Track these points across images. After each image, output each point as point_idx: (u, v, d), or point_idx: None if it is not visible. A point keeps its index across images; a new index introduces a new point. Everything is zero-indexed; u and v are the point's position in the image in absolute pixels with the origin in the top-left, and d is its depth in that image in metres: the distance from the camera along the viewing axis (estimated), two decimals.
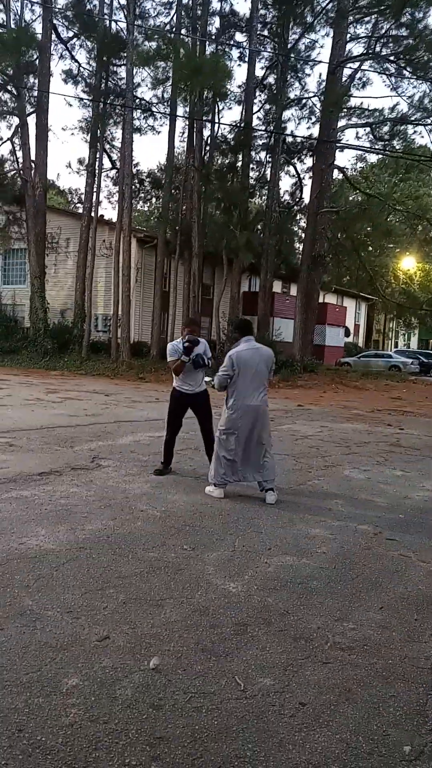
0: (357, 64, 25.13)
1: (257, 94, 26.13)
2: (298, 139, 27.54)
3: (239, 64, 30.10)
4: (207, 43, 23.81)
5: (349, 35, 24.71)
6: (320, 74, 32.50)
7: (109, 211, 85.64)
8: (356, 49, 25.55)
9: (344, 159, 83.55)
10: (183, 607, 3.32)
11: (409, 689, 2.67)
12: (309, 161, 27.73)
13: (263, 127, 27.05)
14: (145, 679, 2.62)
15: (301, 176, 29.07)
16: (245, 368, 5.64)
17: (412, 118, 25.01)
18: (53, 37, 23.38)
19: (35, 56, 22.58)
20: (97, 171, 23.37)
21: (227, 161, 25.49)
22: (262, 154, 27.61)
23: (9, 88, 22.78)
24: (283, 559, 4.17)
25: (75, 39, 24.92)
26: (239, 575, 3.82)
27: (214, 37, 24.92)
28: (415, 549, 4.52)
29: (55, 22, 23.48)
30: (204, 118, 23.98)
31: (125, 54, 22.31)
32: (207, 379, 6.29)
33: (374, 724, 2.41)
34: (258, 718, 2.40)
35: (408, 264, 40.47)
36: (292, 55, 25.18)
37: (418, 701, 2.58)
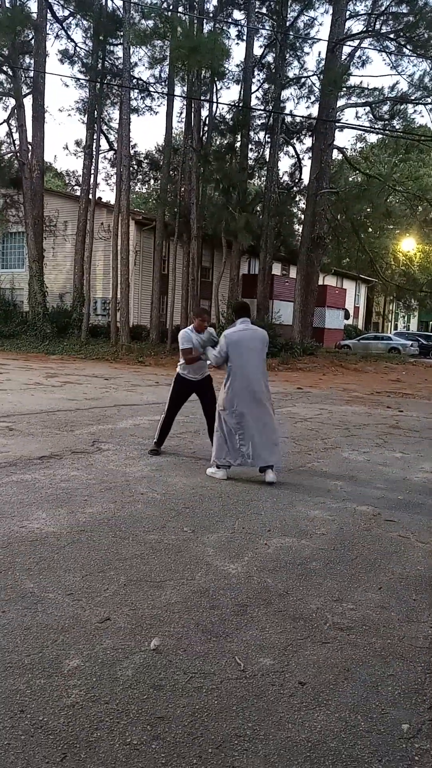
0: (357, 42, 24.83)
1: (256, 73, 25.81)
2: (298, 119, 27.28)
3: (237, 43, 30.06)
4: (205, 21, 23.46)
5: (348, 12, 24.36)
6: (319, 53, 32.16)
7: (107, 193, 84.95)
8: (356, 26, 25.52)
9: (344, 139, 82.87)
10: (183, 589, 3.34)
11: (407, 668, 2.69)
12: (308, 141, 27.51)
13: (262, 107, 26.78)
14: (146, 660, 2.64)
15: (301, 157, 28.85)
16: (238, 348, 5.68)
17: (412, 97, 24.77)
18: (49, 16, 23.04)
19: (31, 36, 22.28)
20: (94, 152, 23.17)
21: (226, 142, 25.25)
22: (261, 135, 27.38)
23: (4, 68, 22.50)
24: (282, 540, 4.19)
25: (71, 18, 24.57)
26: (239, 557, 3.84)
27: (211, 15, 24.53)
28: (413, 530, 4.54)
29: (50, 0, 23.12)
30: (202, 97, 23.71)
31: (122, 33, 22.00)
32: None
33: (373, 702, 2.44)
34: (258, 698, 2.42)
35: (408, 245, 40.24)
36: (291, 33, 24.84)
37: (416, 680, 2.60)
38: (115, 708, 2.32)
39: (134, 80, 24.19)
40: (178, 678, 2.53)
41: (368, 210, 28.59)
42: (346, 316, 37.94)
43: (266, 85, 26.51)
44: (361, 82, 36.91)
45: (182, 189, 23.81)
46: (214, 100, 24.87)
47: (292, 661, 2.70)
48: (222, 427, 5.77)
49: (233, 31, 25.41)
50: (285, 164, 41.86)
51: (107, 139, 26.10)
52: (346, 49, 24.67)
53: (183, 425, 8.02)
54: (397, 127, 26.58)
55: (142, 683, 2.48)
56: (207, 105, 24.35)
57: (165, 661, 2.64)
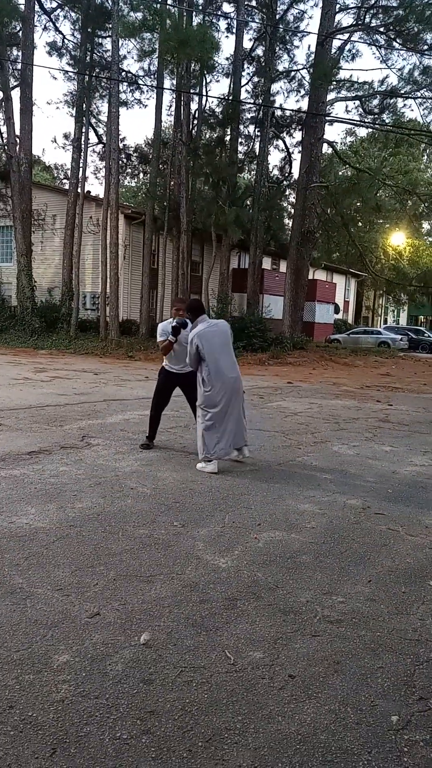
0: (346, 35, 24.73)
1: (245, 66, 25.69)
2: (287, 113, 27.23)
3: (227, 36, 29.96)
4: (194, 13, 23.31)
5: (338, 5, 24.26)
6: (309, 46, 32.05)
7: (96, 186, 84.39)
8: (345, 20, 25.16)
9: (334, 133, 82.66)
10: (173, 583, 3.34)
11: (396, 660, 2.70)
12: (298, 135, 27.41)
13: (252, 100, 26.67)
14: (136, 655, 2.64)
15: (291, 150, 28.88)
16: (209, 345, 5.86)
17: (402, 91, 24.72)
18: (36, 8, 22.80)
19: (18, 28, 22.04)
20: (83, 146, 22.99)
21: (215, 135, 25.14)
22: (251, 128, 27.27)
23: None
24: (272, 534, 4.19)
25: (59, 10, 24.34)
26: (229, 551, 3.84)
27: (201, 7, 24.39)
28: (402, 523, 4.56)
29: None
30: (191, 91, 23.59)
31: (110, 25, 21.82)
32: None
33: (362, 695, 2.45)
34: (247, 691, 2.43)
35: (397, 240, 40.34)
36: (281, 26, 24.72)
37: (406, 672, 2.62)
38: (104, 703, 2.31)
39: (123, 73, 24.04)
40: (168, 672, 2.52)
41: (358, 204, 28.56)
42: (336, 311, 37.99)
43: (256, 79, 26.43)
44: (351, 76, 36.97)
45: (172, 183, 23.70)
46: (204, 93, 24.74)
47: (281, 654, 2.71)
48: (203, 421, 5.90)
49: (223, 23, 25.44)
50: (275, 158, 41.96)
51: (96, 132, 25.92)
52: (336, 43, 24.62)
53: (173, 420, 8.01)
54: (387, 121, 26.57)
55: (132, 678, 2.47)
56: (196, 98, 24.24)
57: (155, 656, 2.64)
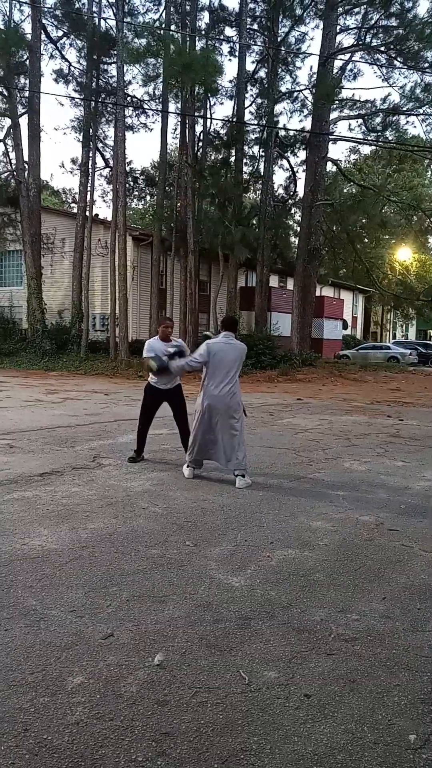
0: (348, 55, 25.06)
1: (248, 88, 26.03)
2: (291, 133, 27.48)
3: (230, 59, 30.13)
4: (197, 38, 23.72)
5: (339, 26, 24.62)
6: (311, 67, 32.45)
7: (103, 209, 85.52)
8: (346, 40, 25.48)
9: (337, 151, 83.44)
10: (186, 603, 3.33)
11: (413, 678, 2.67)
12: (302, 154, 27.64)
13: (255, 122, 26.98)
14: (150, 676, 2.63)
15: (295, 170, 28.99)
16: (217, 359, 6.04)
17: (404, 109, 24.94)
18: (43, 36, 23.28)
19: (25, 56, 22.49)
20: (90, 170, 23.31)
21: (220, 156, 25.40)
22: (255, 149, 27.52)
23: (0, 89, 22.69)
24: (285, 552, 4.17)
25: (65, 38, 24.82)
26: (242, 569, 3.83)
27: (203, 32, 24.81)
28: (416, 539, 4.53)
29: (44, 21, 23.38)
30: (196, 113, 23.91)
31: (115, 52, 22.22)
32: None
33: (379, 713, 2.42)
34: (263, 711, 2.41)
35: (404, 255, 40.42)
36: (283, 48, 25.08)
37: (423, 690, 2.59)
38: (119, 725, 2.30)
39: (128, 98, 24.39)
40: (183, 693, 2.51)
41: (363, 221, 28.71)
42: (345, 327, 38.00)
43: (259, 100, 26.74)
44: (353, 95, 37.27)
45: (178, 204, 23.95)
46: (208, 115, 25.07)
47: (297, 673, 2.69)
48: (194, 428, 6.17)
49: (225, 47, 25.68)
50: (280, 177, 42.48)
51: (103, 156, 26.27)
52: (338, 63, 24.94)
53: None
54: (390, 138, 26.76)
55: (147, 699, 2.46)
56: (201, 121, 24.57)
57: (169, 677, 2.62)
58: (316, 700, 2.49)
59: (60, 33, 24.69)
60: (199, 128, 24.63)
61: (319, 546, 4.32)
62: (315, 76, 24.69)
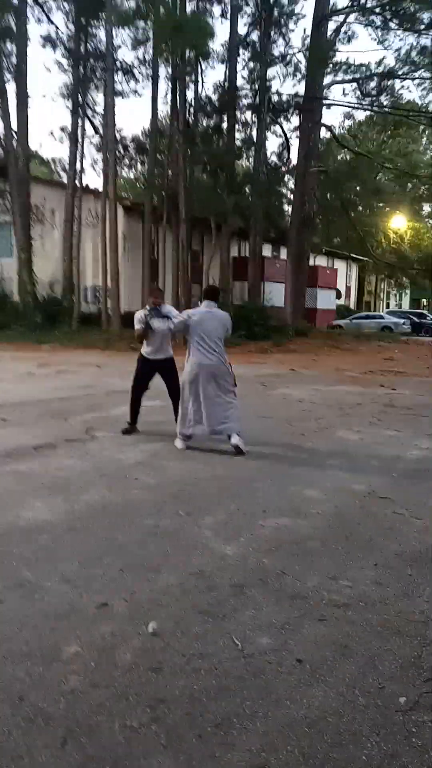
0: (342, 17, 24.45)
1: (241, 52, 25.40)
2: (284, 98, 26.91)
3: (221, 22, 29.32)
4: (188, 0, 23.08)
5: None
6: (305, 29, 31.52)
7: (94, 179, 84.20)
8: (341, 1, 24.93)
9: (332, 117, 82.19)
10: (180, 572, 3.35)
11: (404, 643, 2.71)
12: (296, 120, 27.12)
13: (248, 87, 26.42)
14: (144, 644, 2.66)
15: (288, 136, 28.48)
16: (197, 327, 6.12)
17: (399, 72, 24.46)
18: (29, 0, 22.59)
19: (11, 20, 21.86)
20: (79, 138, 22.84)
21: (212, 123, 24.95)
22: (248, 115, 26.96)
23: None
24: (278, 520, 4.20)
25: (51, 1, 24.10)
26: (235, 538, 3.86)
27: None
28: (408, 506, 4.56)
29: None
30: (187, 78, 23.38)
31: (103, 15, 21.62)
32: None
33: (370, 677, 2.46)
34: (256, 677, 2.44)
35: (398, 223, 40.08)
36: (276, 10, 24.44)
37: (413, 654, 2.63)
38: (114, 692, 2.33)
39: (118, 62, 23.80)
40: (177, 660, 2.54)
41: (358, 188, 28.43)
42: (338, 296, 37.84)
43: (251, 64, 26.10)
44: (347, 59, 36.52)
45: (170, 172, 23.57)
46: (200, 80, 24.62)
47: (289, 639, 2.72)
48: (182, 398, 6.26)
49: (217, 9, 24.95)
50: (273, 144, 42.03)
51: (92, 124, 25.69)
52: (332, 25, 24.33)
53: None
54: (385, 103, 26.32)
55: (141, 667, 2.49)
56: (192, 86, 24.03)
57: (163, 644, 2.65)
58: (308, 665, 2.53)
59: None
60: (190, 94, 24.10)
61: (312, 514, 4.35)
62: (308, 39, 24.14)
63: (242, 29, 25.51)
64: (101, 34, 23.03)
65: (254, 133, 26.02)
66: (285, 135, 28.50)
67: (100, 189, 22.93)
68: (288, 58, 26.31)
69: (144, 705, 2.26)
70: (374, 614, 2.96)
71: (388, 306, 51.51)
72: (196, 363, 6.10)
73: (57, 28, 24.75)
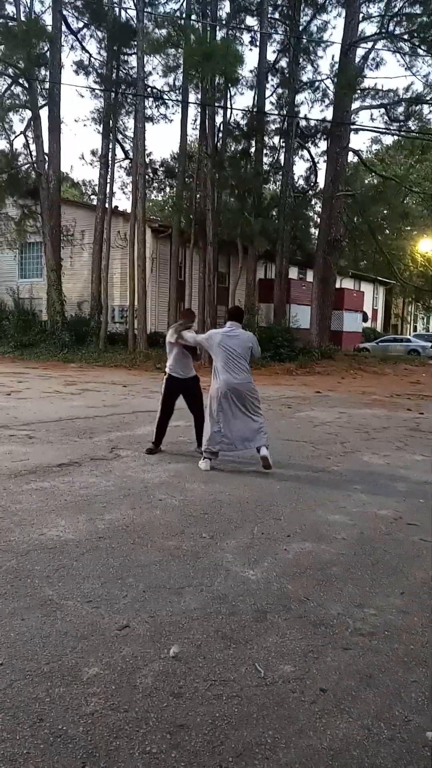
0: (370, 44, 24.67)
1: (269, 78, 25.75)
2: (312, 123, 27.17)
3: (251, 49, 29.64)
4: (218, 28, 23.50)
5: (361, 15, 24.25)
6: (333, 56, 31.97)
7: (123, 201, 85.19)
8: (369, 28, 25.27)
9: (359, 141, 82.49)
10: (202, 595, 3.32)
11: (430, 674, 2.64)
12: (323, 145, 27.32)
13: (276, 112, 26.74)
14: (165, 668, 2.63)
15: (316, 160, 28.70)
16: (217, 346, 6.31)
17: (428, 98, 24.55)
18: (63, 28, 23.25)
19: (46, 48, 22.50)
20: (110, 162, 23.29)
21: (240, 147, 25.22)
22: (276, 139, 27.25)
23: (20, 81, 22.72)
24: (302, 545, 4.15)
25: (85, 29, 24.75)
26: (258, 562, 3.81)
27: (224, 21, 24.58)
28: None
29: (64, 12, 23.36)
30: (216, 104, 23.75)
31: (135, 42, 22.13)
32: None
33: (395, 709, 2.40)
34: (278, 705, 2.40)
35: (425, 246, 39.87)
36: (304, 37, 24.78)
37: None
38: (134, 716, 2.30)
39: (148, 89, 24.29)
40: (198, 685, 2.51)
41: (385, 212, 28.37)
42: (365, 319, 37.65)
43: (280, 90, 26.47)
44: (375, 84, 36.73)
45: (198, 195, 23.85)
46: (228, 106, 24.84)
47: (313, 667, 2.67)
48: (210, 416, 6.31)
49: (246, 37, 25.48)
50: (300, 168, 42.19)
51: (122, 147, 26.23)
52: (360, 51, 24.56)
53: None
54: (413, 127, 26.38)
55: (162, 691, 2.46)
56: (221, 111, 24.38)
57: (184, 669, 2.62)
58: (332, 695, 2.47)
59: (80, 24, 24.65)
60: (219, 119, 24.46)
61: (336, 539, 4.29)
62: (337, 65, 24.36)
63: (271, 56, 25.93)
64: (133, 61, 23.59)
65: (282, 157, 26.26)
66: (312, 159, 28.74)
67: (129, 211, 23.29)
68: (316, 83, 26.65)
69: (164, 730, 2.23)
70: (400, 644, 2.89)
71: (415, 329, 51.06)
72: (224, 381, 6.21)
73: (90, 54, 25.40)
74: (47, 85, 22.72)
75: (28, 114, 23.25)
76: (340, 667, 2.68)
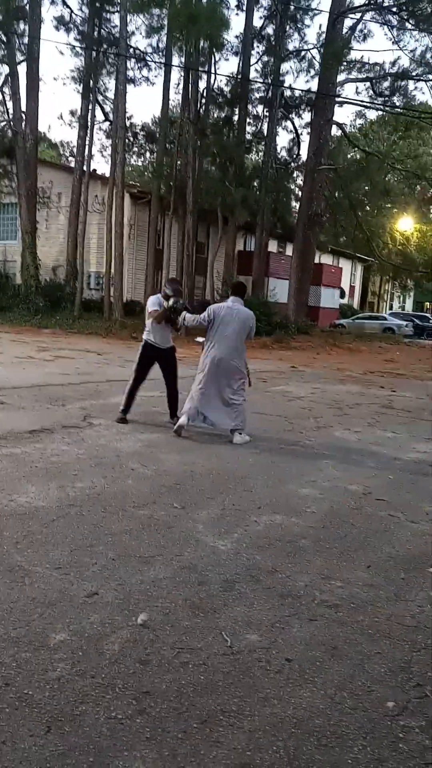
0: (358, 15, 24.29)
1: (255, 45, 25.23)
2: (297, 93, 26.78)
3: (237, 13, 28.99)
4: None
5: None
6: (320, 25, 31.44)
7: (102, 165, 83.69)
8: None
9: (343, 115, 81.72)
10: (172, 564, 3.33)
11: (394, 646, 2.70)
12: (307, 116, 27.01)
13: (261, 80, 26.27)
14: (133, 635, 2.64)
15: (299, 132, 28.37)
16: (220, 324, 6.23)
17: (413, 74, 24.35)
18: None
19: (25, 1, 21.68)
20: (89, 123, 22.69)
21: (223, 115, 24.80)
22: (260, 108, 26.86)
23: None
24: (272, 517, 4.18)
25: None
26: (228, 533, 3.84)
27: None
28: (403, 509, 4.54)
29: None
30: (200, 69, 23.22)
31: (119, 0, 21.45)
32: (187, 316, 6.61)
33: (359, 680, 2.44)
34: (244, 674, 2.42)
35: (405, 225, 39.96)
36: (292, 5, 24.28)
37: (403, 658, 2.61)
38: (100, 682, 2.31)
39: (131, 49, 23.64)
40: (165, 653, 2.52)
41: (366, 188, 28.26)
42: (342, 296, 37.77)
43: (265, 58, 25.95)
44: (362, 57, 36.36)
45: (178, 162, 23.44)
46: (213, 71, 24.36)
47: (279, 637, 2.70)
48: (194, 384, 6.36)
49: (233, 1, 24.80)
50: (283, 139, 41.77)
51: (103, 109, 25.57)
52: (348, 22, 24.18)
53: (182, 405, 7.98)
54: (398, 103, 26.18)
55: (129, 657, 2.47)
56: (205, 77, 23.88)
57: (152, 636, 2.63)
58: (297, 665, 2.51)
59: None
60: (202, 84, 23.94)
61: (306, 513, 4.33)
62: (324, 35, 23.97)
63: (258, 22, 25.37)
64: (115, 19, 22.87)
65: (265, 127, 25.93)
66: (296, 130, 28.40)
67: (108, 175, 22.82)
68: (302, 53, 26.20)
69: (130, 697, 2.24)
70: (365, 616, 2.94)
71: (391, 308, 51.41)
72: (213, 356, 6.23)
73: (71, 10, 24.53)
74: (26, 40, 21.94)
75: (5, 70, 22.47)
76: (305, 637, 2.72)
